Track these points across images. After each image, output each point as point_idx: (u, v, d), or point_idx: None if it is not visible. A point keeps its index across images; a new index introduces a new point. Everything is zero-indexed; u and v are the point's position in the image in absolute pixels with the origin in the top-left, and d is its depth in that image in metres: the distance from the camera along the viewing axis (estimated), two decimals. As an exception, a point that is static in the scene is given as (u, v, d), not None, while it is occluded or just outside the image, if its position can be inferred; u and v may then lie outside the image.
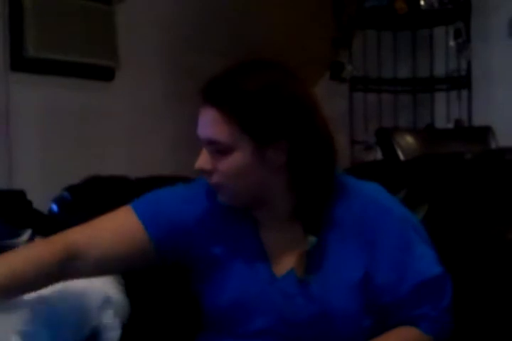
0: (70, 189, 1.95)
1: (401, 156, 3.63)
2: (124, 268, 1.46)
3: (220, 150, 1.32)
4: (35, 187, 2.73)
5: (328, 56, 4.80)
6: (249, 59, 1.37)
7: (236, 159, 1.32)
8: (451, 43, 4.78)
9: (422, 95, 5.14)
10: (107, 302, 1.45)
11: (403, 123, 5.11)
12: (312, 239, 1.34)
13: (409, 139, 3.78)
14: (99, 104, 3.63)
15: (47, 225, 1.84)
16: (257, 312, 1.37)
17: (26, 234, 1.56)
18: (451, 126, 4.78)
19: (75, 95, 3.50)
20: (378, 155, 4.00)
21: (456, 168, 1.79)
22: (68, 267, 1.33)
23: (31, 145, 3.32)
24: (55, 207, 1.93)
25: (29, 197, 2.46)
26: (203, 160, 1.34)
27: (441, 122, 4.97)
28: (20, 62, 3.28)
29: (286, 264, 1.39)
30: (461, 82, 4.89)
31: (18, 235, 1.80)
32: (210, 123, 1.33)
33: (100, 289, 1.46)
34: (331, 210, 1.38)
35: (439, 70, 5.08)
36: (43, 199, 2.05)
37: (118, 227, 1.40)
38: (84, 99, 3.54)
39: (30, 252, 1.33)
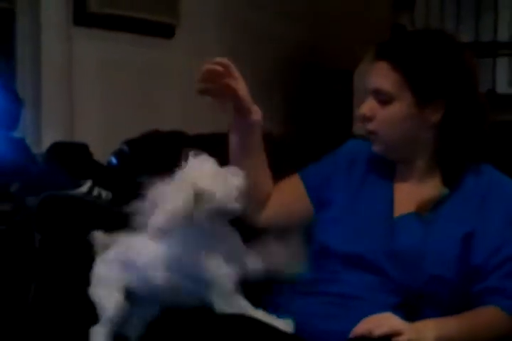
0: (129, 143, 2.00)
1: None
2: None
3: (383, 99, 1.46)
4: (95, 140, 2.79)
5: (389, 18, 4.74)
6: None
7: (395, 109, 1.46)
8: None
9: (484, 60, 5.05)
10: None
11: (463, 87, 5.02)
12: (446, 190, 1.48)
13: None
14: (158, 61, 3.67)
15: (106, 177, 1.90)
16: (363, 241, 1.49)
17: (87, 185, 1.62)
18: (512, 91, 4.70)
19: (136, 51, 3.53)
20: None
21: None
22: None
23: (92, 100, 3.37)
24: (114, 160, 1.99)
25: (90, 149, 2.52)
26: (366, 107, 1.49)
27: (503, 88, 4.89)
28: (83, 17, 3.32)
29: (406, 209, 1.50)
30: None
31: (79, 185, 1.86)
32: (378, 75, 1.47)
33: None
34: (463, 173, 1.51)
35: (503, 35, 4.98)
36: (102, 152, 2.10)
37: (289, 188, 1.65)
38: (145, 55, 3.58)
39: None
